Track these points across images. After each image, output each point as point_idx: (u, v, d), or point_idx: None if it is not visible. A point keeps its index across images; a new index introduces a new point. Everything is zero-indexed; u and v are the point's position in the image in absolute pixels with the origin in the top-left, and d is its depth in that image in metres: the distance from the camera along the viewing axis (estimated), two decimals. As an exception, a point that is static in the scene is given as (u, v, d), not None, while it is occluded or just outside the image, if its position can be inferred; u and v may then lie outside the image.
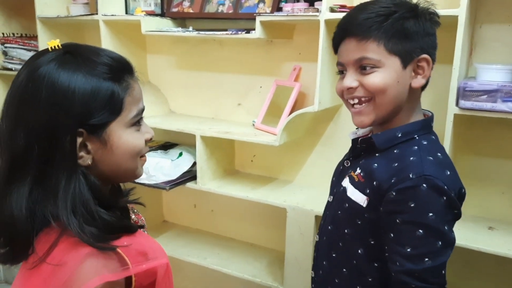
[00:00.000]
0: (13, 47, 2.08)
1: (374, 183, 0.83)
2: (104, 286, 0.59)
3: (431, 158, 0.81)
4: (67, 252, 0.60)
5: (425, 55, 0.83)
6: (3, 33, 2.13)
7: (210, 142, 1.62)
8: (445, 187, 0.77)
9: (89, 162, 0.65)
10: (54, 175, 0.62)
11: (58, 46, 0.66)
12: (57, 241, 0.61)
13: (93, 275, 0.58)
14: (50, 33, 1.97)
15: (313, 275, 1.02)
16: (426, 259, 0.77)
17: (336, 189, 0.95)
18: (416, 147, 0.83)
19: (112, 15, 1.74)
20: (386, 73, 0.81)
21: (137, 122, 0.69)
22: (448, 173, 0.81)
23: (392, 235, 0.80)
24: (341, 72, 0.88)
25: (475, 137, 1.37)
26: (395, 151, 0.84)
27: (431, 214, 0.76)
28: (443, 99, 1.21)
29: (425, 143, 0.84)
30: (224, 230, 1.93)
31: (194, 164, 1.69)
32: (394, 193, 0.79)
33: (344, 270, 0.91)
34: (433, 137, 0.87)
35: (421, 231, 0.77)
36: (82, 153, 0.64)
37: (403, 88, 0.83)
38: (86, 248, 0.60)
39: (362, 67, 0.82)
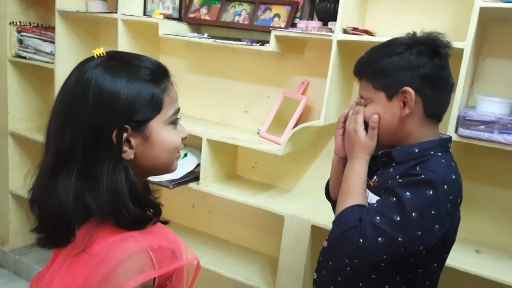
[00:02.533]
0: (29, 36, 2.13)
1: (389, 181, 0.91)
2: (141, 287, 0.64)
3: (443, 161, 0.89)
4: (112, 247, 0.65)
5: (406, 88, 0.89)
6: (20, 22, 2.18)
7: (215, 146, 1.68)
8: (445, 186, 0.83)
9: (132, 157, 0.70)
10: (98, 167, 0.67)
11: (102, 53, 0.72)
12: (95, 229, 0.67)
13: (133, 275, 0.63)
14: (68, 27, 2.03)
15: (315, 277, 1.08)
16: (377, 217, 0.84)
17: None
18: (431, 157, 0.90)
19: (131, 15, 1.79)
20: (374, 106, 0.94)
21: (174, 121, 0.75)
22: (454, 177, 0.87)
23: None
24: None
25: (470, 163, 1.43)
26: (411, 162, 0.91)
27: (408, 193, 0.83)
28: (443, 125, 1.27)
29: (439, 154, 0.91)
30: (220, 232, 1.98)
31: (198, 165, 1.75)
32: (398, 177, 0.89)
33: (348, 268, 0.98)
34: (449, 155, 0.95)
35: (393, 198, 0.84)
36: (125, 148, 0.69)
37: (392, 118, 0.92)
38: (129, 243, 0.66)
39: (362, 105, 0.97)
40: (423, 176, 0.84)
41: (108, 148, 0.67)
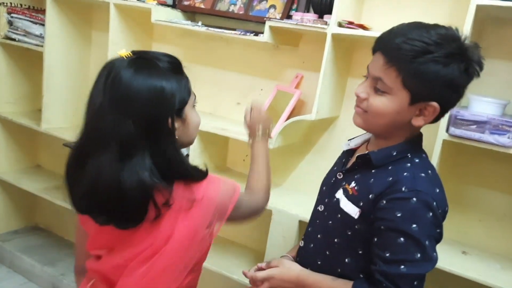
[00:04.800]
0: (19, 18, 2.08)
1: (370, 196, 0.87)
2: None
3: (423, 174, 0.86)
4: (206, 189, 0.86)
5: (434, 103, 0.83)
6: (10, 3, 2.13)
7: (205, 137, 1.65)
8: (434, 203, 0.82)
9: (177, 137, 0.85)
10: (165, 147, 0.82)
11: (129, 54, 0.84)
12: (187, 186, 0.85)
13: (229, 200, 0.90)
14: (59, 9, 1.98)
15: (301, 245, 1.05)
16: (402, 266, 0.81)
17: (329, 199, 0.98)
18: (408, 164, 0.88)
19: None
20: (391, 102, 0.85)
21: (194, 103, 0.91)
22: (438, 190, 0.86)
23: (375, 239, 0.86)
24: (366, 77, 0.91)
25: (460, 164, 1.42)
26: (389, 167, 0.89)
27: (414, 225, 0.81)
28: (434, 124, 1.26)
29: (417, 160, 0.89)
30: (207, 225, 1.96)
31: (187, 156, 1.72)
32: (384, 201, 0.84)
33: (336, 240, 0.94)
34: (424, 155, 0.93)
35: (402, 239, 0.81)
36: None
37: (402, 119, 0.87)
38: (213, 182, 0.89)
39: (376, 87, 0.86)
40: (415, 199, 0.81)
41: (167, 132, 0.82)
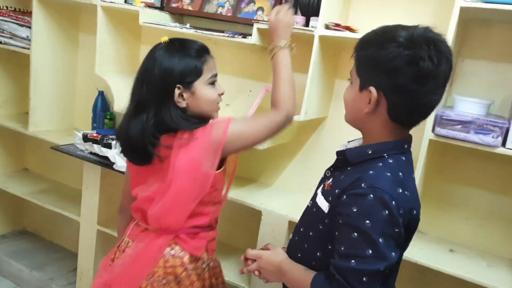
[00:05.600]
0: (5, 20, 2.05)
1: (336, 191, 0.89)
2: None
3: (388, 174, 0.85)
4: (202, 129, 1.06)
5: (370, 88, 0.85)
6: (-4, 5, 2.10)
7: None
8: (393, 202, 0.81)
9: (184, 105, 1.08)
10: (167, 111, 1.05)
11: (167, 39, 1.10)
12: (186, 131, 1.06)
13: (223, 132, 1.06)
14: (45, 12, 1.97)
15: (290, 238, 1.08)
16: (352, 261, 0.81)
17: (314, 195, 1.01)
18: (380, 164, 0.87)
19: (111, 1, 1.75)
20: (350, 89, 0.92)
21: (212, 82, 1.11)
22: (400, 190, 0.84)
23: (336, 233, 0.87)
24: None
25: (446, 163, 1.44)
26: (363, 166, 0.89)
27: (368, 221, 0.80)
28: (420, 124, 1.27)
29: (390, 161, 0.88)
30: (197, 227, 1.95)
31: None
32: (345, 196, 0.85)
33: (311, 233, 0.97)
34: (403, 157, 0.90)
35: (355, 234, 0.81)
36: (180, 99, 1.07)
37: (358, 108, 0.89)
38: (210, 124, 1.08)
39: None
40: (371, 196, 0.81)
41: (171, 100, 1.06)
